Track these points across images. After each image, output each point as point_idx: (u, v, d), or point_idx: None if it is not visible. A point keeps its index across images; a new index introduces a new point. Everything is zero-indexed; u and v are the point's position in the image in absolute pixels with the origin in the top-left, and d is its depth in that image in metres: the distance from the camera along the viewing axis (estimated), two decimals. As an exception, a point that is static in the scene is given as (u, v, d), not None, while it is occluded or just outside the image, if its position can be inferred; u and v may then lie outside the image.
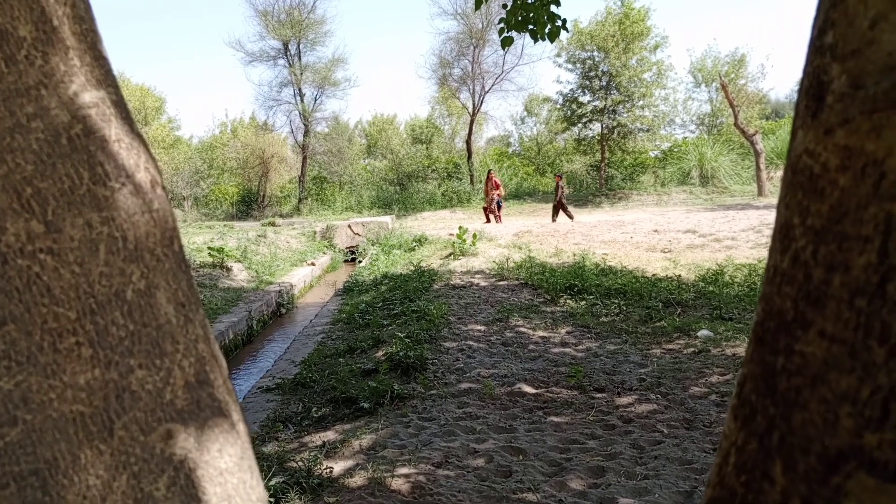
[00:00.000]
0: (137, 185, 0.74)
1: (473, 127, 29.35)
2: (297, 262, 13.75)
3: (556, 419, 3.81)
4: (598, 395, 4.21)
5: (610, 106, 25.62)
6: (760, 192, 21.87)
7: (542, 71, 51.26)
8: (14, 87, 0.66)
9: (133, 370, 0.70)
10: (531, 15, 5.55)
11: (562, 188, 17.28)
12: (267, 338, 8.74)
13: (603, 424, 3.70)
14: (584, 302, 7.16)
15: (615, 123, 25.76)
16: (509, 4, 5.65)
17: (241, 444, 0.80)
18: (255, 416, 4.37)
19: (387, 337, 6.02)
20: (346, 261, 16.50)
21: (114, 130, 0.73)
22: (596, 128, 26.78)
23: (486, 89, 28.51)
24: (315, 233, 17.15)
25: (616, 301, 7.02)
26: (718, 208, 18.55)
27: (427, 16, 72.89)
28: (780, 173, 23.78)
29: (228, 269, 10.87)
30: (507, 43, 5.77)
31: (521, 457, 3.25)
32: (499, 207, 18.33)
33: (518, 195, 26.55)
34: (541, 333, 5.97)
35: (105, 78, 0.75)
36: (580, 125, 26.83)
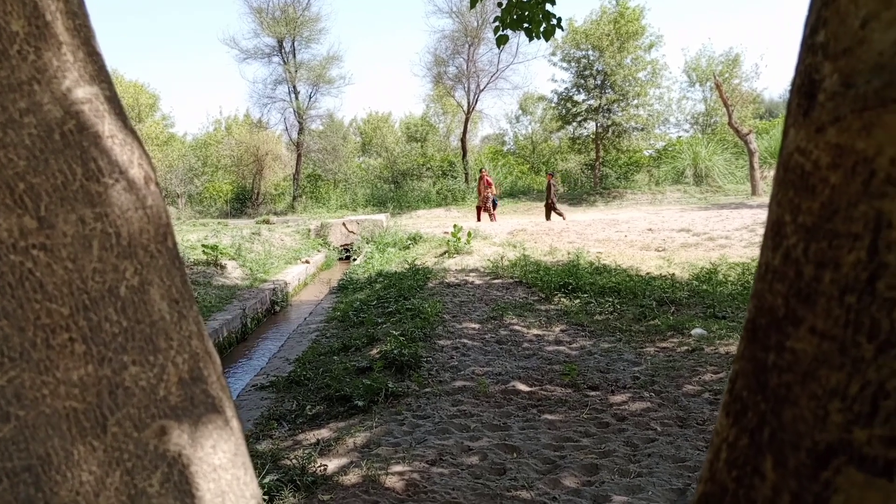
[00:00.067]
0: (131, 181, 0.74)
1: (468, 125, 29.34)
2: (291, 259, 13.71)
3: (550, 417, 3.82)
4: (592, 393, 4.22)
5: (604, 105, 25.66)
6: (754, 192, 21.95)
7: (536, 69, 51.39)
8: (6, 83, 0.66)
9: (127, 366, 0.70)
10: (526, 13, 5.55)
11: (554, 186, 17.29)
12: (261, 336, 8.72)
13: (597, 422, 3.71)
14: (578, 300, 7.17)
15: (610, 122, 25.80)
16: (504, 3, 5.65)
17: (234, 440, 0.80)
18: (249, 413, 4.36)
19: (381, 335, 6.02)
20: (340, 259, 16.46)
21: (107, 126, 0.73)
22: (590, 126, 26.81)
23: (481, 87, 28.50)
24: (309, 231, 17.11)
25: (610, 299, 7.04)
26: (712, 207, 18.61)
27: (422, 13, 72.76)
28: (773, 172, 23.84)
29: (222, 267, 10.83)
30: (502, 41, 5.77)
31: (515, 454, 3.26)
32: (494, 206, 18.34)
33: (513, 194, 26.56)
34: (535, 331, 5.98)
35: (98, 74, 0.75)
36: (575, 124, 26.86)
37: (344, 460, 3.28)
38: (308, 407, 4.27)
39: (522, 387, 4.39)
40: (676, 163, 26.69)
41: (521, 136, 34.43)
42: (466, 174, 27.64)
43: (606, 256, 10.22)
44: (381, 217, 18.49)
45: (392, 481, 2.97)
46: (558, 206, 17.72)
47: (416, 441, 3.48)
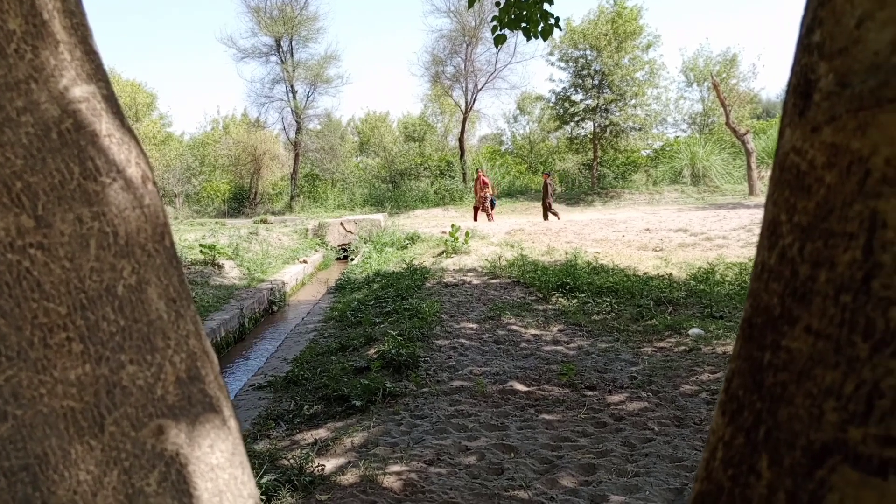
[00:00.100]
0: (128, 180, 0.74)
1: (466, 125, 29.36)
2: (289, 259, 13.70)
3: (547, 417, 3.82)
4: (590, 393, 4.23)
5: (602, 104, 25.70)
6: (751, 191, 22.00)
7: (534, 69, 51.39)
8: (3, 81, 0.65)
9: (124, 366, 0.70)
10: (524, 13, 5.56)
11: (551, 186, 17.30)
12: (259, 335, 8.71)
13: (594, 422, 3.72)
14: (575, 300, 7.18)
15: (607, 122, 25.84)
16: (502, 2, 5.65)
17: (232, 439, 0.80)
18: (246, 413, 4.36)
19: (379, 335, 6.02)
20: (338, 258, 16.45)
21: (104, 125, 0.73)
22: (588, 126, 26.86)
23: (479, 87, 28.53)
24: (307, 230, 17.10)
25: (608, 299, 7.05)
26: (710, 207, 18.65)
27: (420, 13, 72.77)
28: (770, 172, 23.88)
29: (220, 267, 10.82)
30: (499, 41, 5.77)
31: (512, 454, 3.26)
32: (492, 206, 18.35)
33: (510, 193, 26.58)
34: (533, 331, 5.98)
35: (96, 72, 0.75)
36: (572, 124, 26.90)
37: (341, 460, 3.28)
38: (306, 407, 4.27)
39: (520, 387, 4.39)
40: (674, 163, 26.74)
41: (518, 135, 34.48)
42: (464, 174, 27.66)
43: (604, 256, 10.24)
44: (379, 217, 18.49)
45: (390, 481, 2.97)
46: (554, 206, 17.73)
47: (414, 441, 3.48)
